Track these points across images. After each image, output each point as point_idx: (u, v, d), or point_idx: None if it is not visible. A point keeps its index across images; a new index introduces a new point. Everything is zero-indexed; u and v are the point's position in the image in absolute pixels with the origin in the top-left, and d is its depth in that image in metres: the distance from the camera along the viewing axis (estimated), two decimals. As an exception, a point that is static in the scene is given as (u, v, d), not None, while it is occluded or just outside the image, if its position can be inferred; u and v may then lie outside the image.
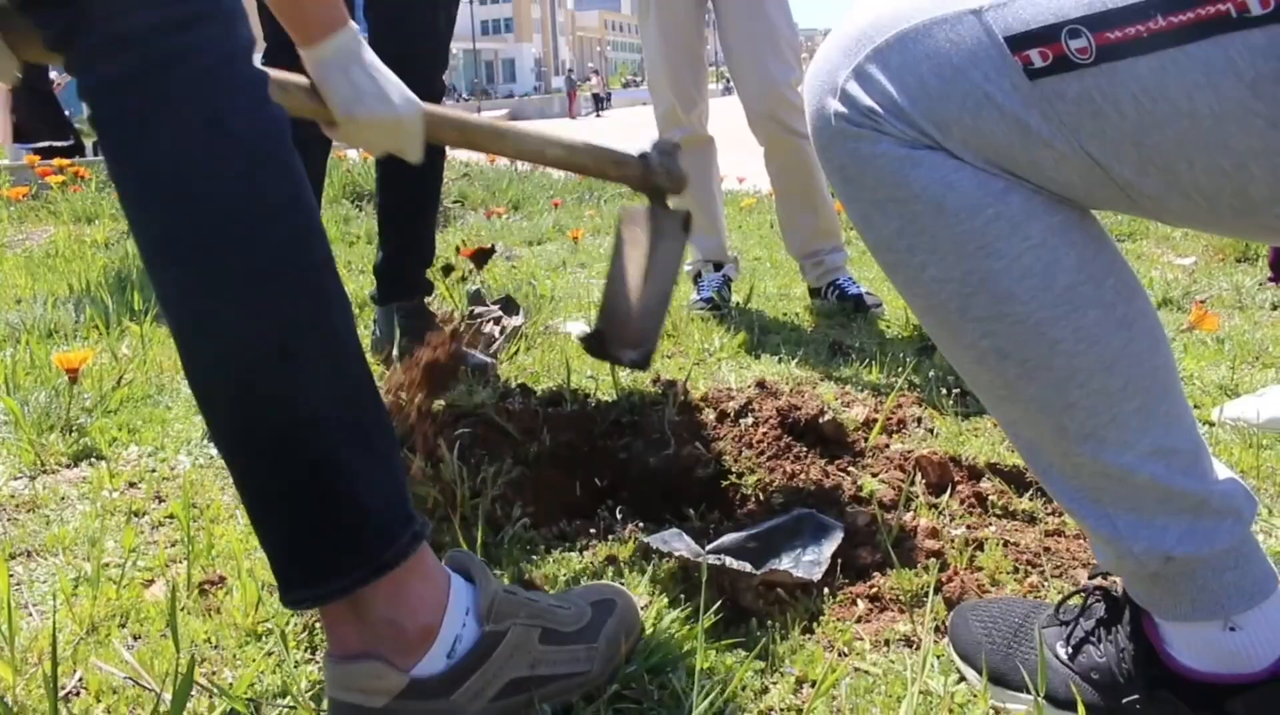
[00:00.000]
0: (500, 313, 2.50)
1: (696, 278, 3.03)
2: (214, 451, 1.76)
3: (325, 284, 0.88)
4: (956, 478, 1.53)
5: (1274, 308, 2.77)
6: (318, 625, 1.17)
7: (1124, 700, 0.94)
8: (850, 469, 1.55)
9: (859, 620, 1.19)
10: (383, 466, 0.90)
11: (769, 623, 1.16)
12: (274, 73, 1.18)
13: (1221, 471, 0.90)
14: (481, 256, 2.64)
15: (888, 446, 1.66)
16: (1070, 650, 0.99)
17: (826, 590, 1.23)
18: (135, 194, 0.85)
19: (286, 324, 0.85)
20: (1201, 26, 0.69)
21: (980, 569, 1.30)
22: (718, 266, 3.00)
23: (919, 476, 1.51)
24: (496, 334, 2.37)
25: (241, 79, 0.86)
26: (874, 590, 1.24)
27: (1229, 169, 0.72)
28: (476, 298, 2.61)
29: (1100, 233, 0.86)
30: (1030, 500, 1.49)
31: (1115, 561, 0.92)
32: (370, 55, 1.24)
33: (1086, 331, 0.83)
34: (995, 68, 0.76)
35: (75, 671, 1.08)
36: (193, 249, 0.83)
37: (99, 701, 1.04)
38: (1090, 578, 1.04)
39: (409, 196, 2.16)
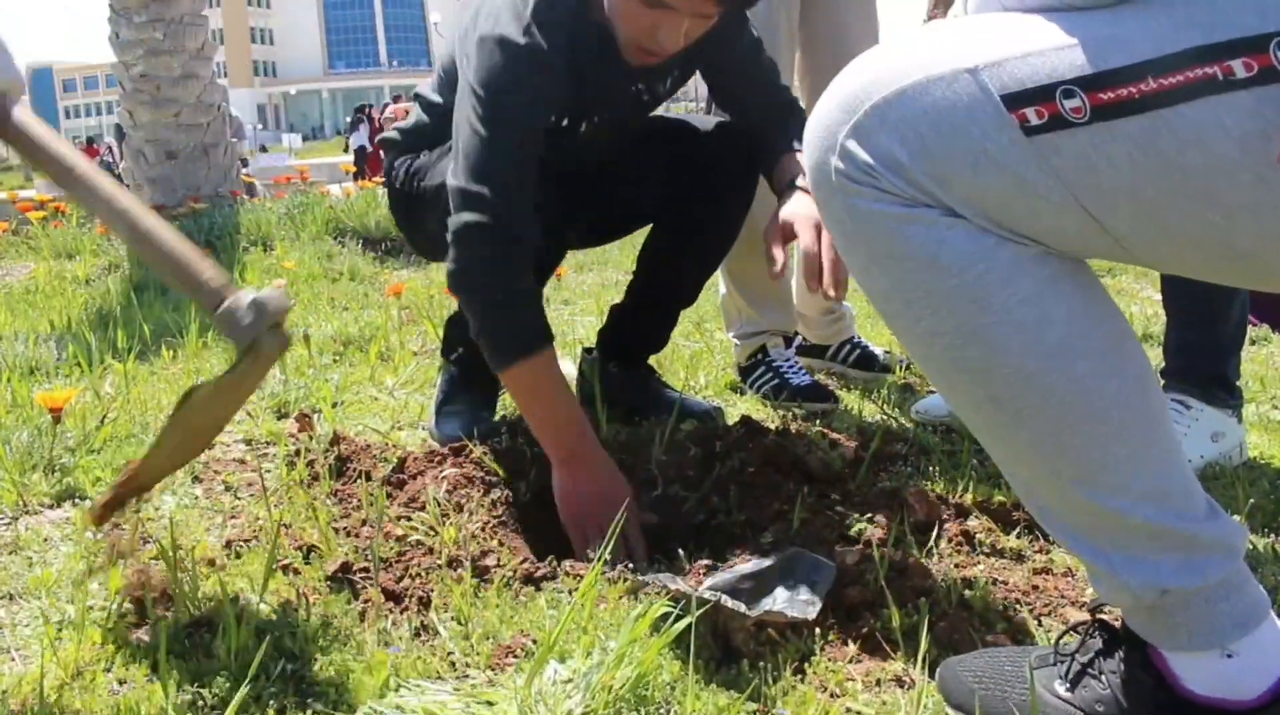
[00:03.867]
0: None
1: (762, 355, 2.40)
2: (199, 491, 1.75)
3: None
4: (944, 516, 1.54)
5: (1252, 343, 2.80)
6: (306, 668, 1.16)
7: None
8: (838, 508, 1.55)
9: (850, 660, 1.18)
10: None
11: (760, 663, 1.16)
12: None
13: (1212, 507, 0.92)
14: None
15: (875, 485, 1.66)
16: (1069, 685, 1.00)
17: (817, 630, 1.22)
18: None
19: None
20: (1191, 89, 0.72)
21: (970, 608, 1.30)
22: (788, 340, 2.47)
23: (907, 515, 1.51)
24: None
25: None
26: (865, 630, 1.24)
27: (1218, 221, 0.75)
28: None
29: (1091, 281, 0.88)
30: (1018, 538, 1.49)
31: (1112, 594, 0.94)
32: None
33: (1078, 381, 0.86)
34: (993, 124, 0.79)
35: (61, 717, 1.07)
36: None
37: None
38: (1091, 610, 1.05)
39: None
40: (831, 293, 1.50)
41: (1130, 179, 0.76)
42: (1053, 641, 1.08)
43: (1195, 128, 0.73)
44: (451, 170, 1.58)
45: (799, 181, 1.66)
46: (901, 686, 1.14)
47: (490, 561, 1.40)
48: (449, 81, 1.78)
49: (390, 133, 1.97)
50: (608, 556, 1.29)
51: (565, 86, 1.60)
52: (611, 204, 1.92)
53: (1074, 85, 0.75)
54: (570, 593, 1.33)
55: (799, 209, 1.60)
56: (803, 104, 2.36)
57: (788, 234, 1.59)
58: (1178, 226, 0.77)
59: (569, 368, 2.45)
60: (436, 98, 1.88)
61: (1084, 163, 0.77)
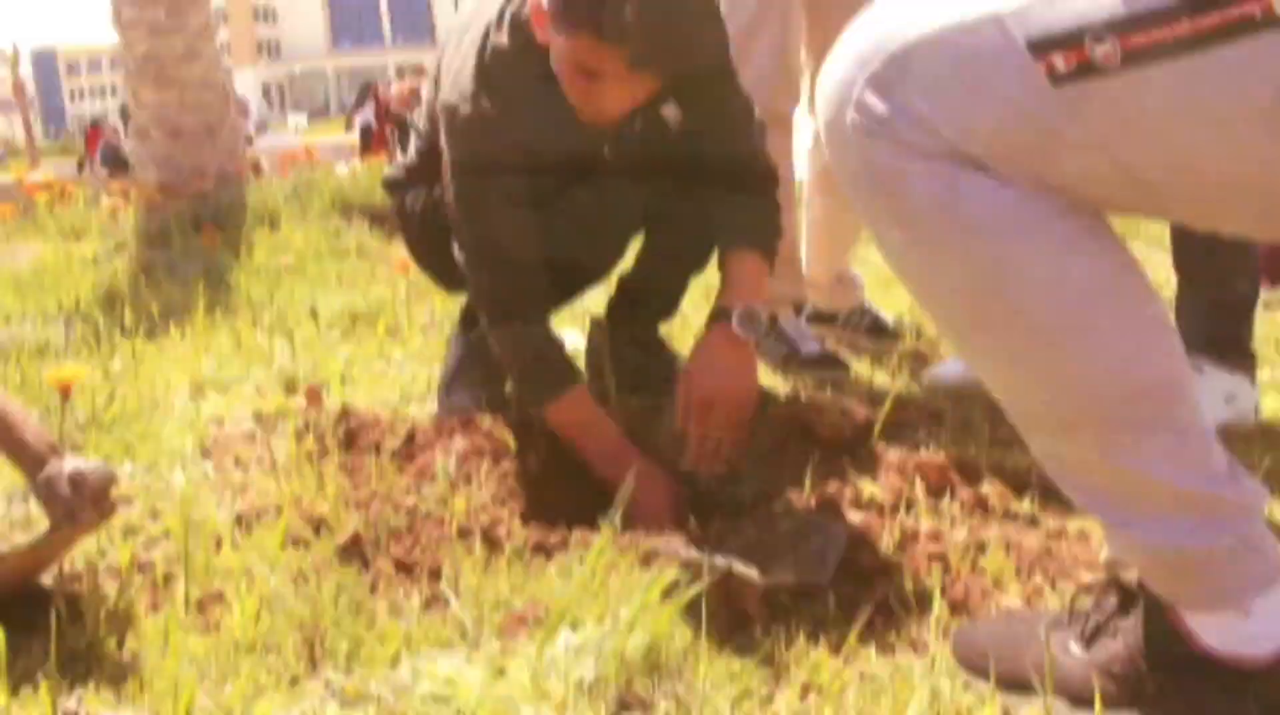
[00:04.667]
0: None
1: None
2: (209, 467, 1.75)
3: None
4: (956, 481, 1.53)
5: (1265, 307, 2.77)
6: (318, 640, 1.16)
7: (1149, 687, 0.93)
8: (850, 474, 1.54)
9: (864, 625, 1.18)
10: None
11: (773, 629, 1.16)
12: None
13: (1232, 467, 0.91)
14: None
15: (886, 451, 1.66)
16: (1084, 645, 0.99)
17: (830, 596, 1.22)
18: None
19: None
20: (1228, 29, 0.69)
21: (983, 572, 1.29)
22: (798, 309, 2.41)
23: (919, 480, 1.51)
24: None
25: None
26: (878, 595, 1.23)
27: (1255, 170, 0.73)
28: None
29: (1112, 239, 0.86)
30: (1031, 502, 1.48)
31: (1129, 554, 0.93)
32: None
33: (1097, 340, 0.84)
34: (1018, 73, 0.76)
35: (74, 691, 1.07)
36: None
37: (99, 721, 1.03)
38: (1107, 567, 1.04)
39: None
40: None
41: (1162, 126, 0.73)
42: (1067, 602, 1.07)
43: (1232, 71, 0.70)
44: (455, 248, 1.68)
45: (734, 317, 1.58)
46: (915, 651, 1.14)
47: (500, 532, 1.40)
48: (432, 114, 1.79)
49: (395, 172, 1.96)
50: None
51: (533, 130, 1.57)
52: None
53: (1105, 29, 0.72)
54: (581, 561, 1.33)
55: (696, 377, 1.59)
56: (807, 66, 2.33)
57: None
58: (1212, 175, 0.75)
59: (578, 338, 2.44)
60: (426, 127, 1.86)
61: (1114, 111, 0.74)
